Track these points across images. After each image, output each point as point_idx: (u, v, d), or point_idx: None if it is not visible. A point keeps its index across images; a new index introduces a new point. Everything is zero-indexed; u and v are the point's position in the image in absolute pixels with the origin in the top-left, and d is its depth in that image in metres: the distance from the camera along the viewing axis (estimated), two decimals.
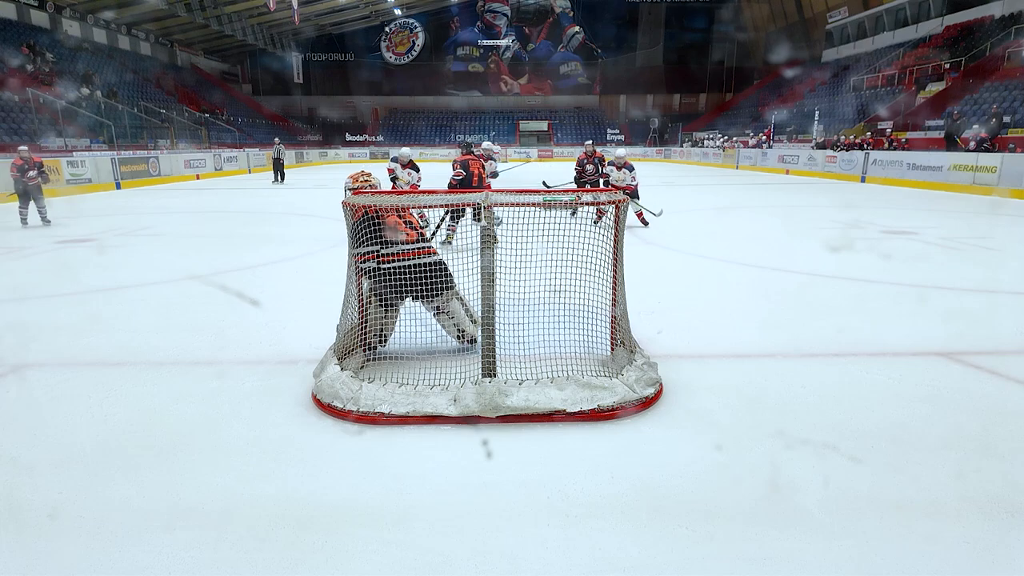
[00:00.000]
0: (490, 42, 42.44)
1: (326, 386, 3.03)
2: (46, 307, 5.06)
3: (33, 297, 5.43)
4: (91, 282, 6.03)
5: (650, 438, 2.76)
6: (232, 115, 33.69)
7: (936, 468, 2.49)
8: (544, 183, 10.12)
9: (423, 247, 3.60)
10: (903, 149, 18.06)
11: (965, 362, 3.63)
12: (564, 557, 1.98)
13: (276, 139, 20.95)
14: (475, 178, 7.41)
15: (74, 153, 17.27)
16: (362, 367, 3.33)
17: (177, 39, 34.26)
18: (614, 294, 3.34)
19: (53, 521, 2.19)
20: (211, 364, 3.72)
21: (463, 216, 6.59)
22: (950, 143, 16.51)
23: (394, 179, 8.38)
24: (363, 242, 3.37)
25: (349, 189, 3.99)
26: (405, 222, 3.61)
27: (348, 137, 40.29)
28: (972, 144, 15.28)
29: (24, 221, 9.37)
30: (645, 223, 8.96)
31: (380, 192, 4.07)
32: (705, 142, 33.07)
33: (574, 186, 9.89)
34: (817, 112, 24.56)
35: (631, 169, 9.12)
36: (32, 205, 9.42)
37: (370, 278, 3.50)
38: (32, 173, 9.26)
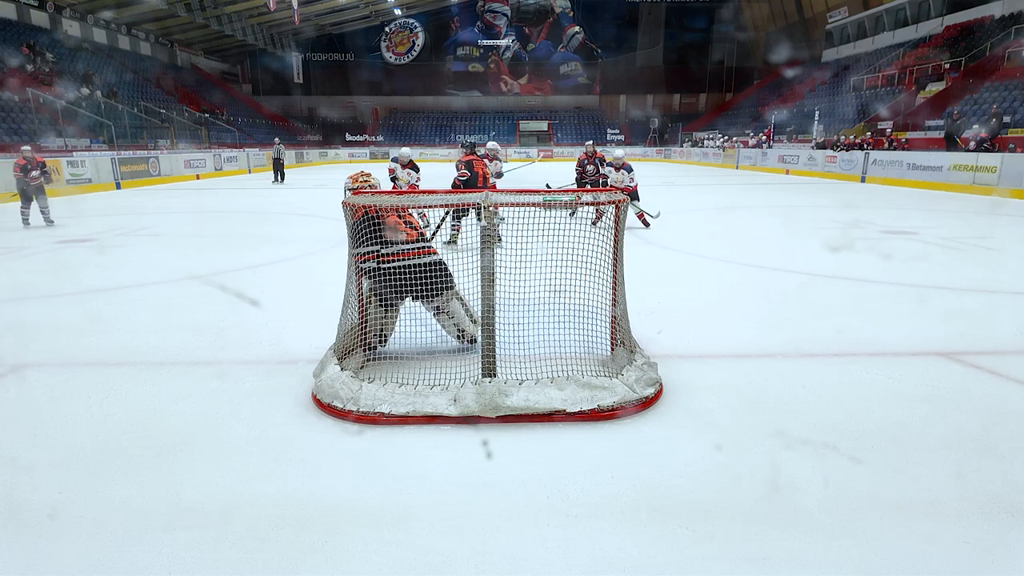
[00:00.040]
0: (490, 42, 42.45)
1: (326, 386, 3.03)
2: (46, 307, 5.06)
3: (33, 297, 5.43)
4: (91, 282, 6.03)
5: (650, 438, 2.76)
6: (232, 115, 33.69)
7: (936, 468, 2.49)
8: (547, 185, 10.10)
9: (423, 247, 3.60)
10: (903, 149, 18.07)
11: (965, 362, 3.63)
12: (564, 557, 1.98)
13: (276, 139, 20.95)
14: (480, 178, 7.42)
15: (74, 153, 17.28)
16: (362, 367, 3.33)
17: (177, 39, 34.26)
18: (614, 294, 3.34)
19: (53, 521, 2.19)
20: (211, 364, 3.72)
21: (466, 216, 6.59)
22: (950, 143, 16.51)
23: (394, 179, 8.38)
24: (363, 242, 3.37)
25: (349, 189, 3.99)
26: (405, 222, 3.61)
27: (348, 137, 40.30)
28: (972, 144, 15.28)
29: (26, 221, 9.35)
30: (646, 224, 8.92)
31: (380, 192, 4.07)
32: (705, 142, 33.08)
33: (575, 187, 9.88)
34: (817, 112, 24.57)
35: (629, 170, 9.04)
36: (34, 206, 9.40)
37: (370, 278, 3.50)
38: (35, 173, 9.24)
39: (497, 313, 3.03)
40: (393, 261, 3.47)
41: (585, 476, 2.43)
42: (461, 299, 3.72)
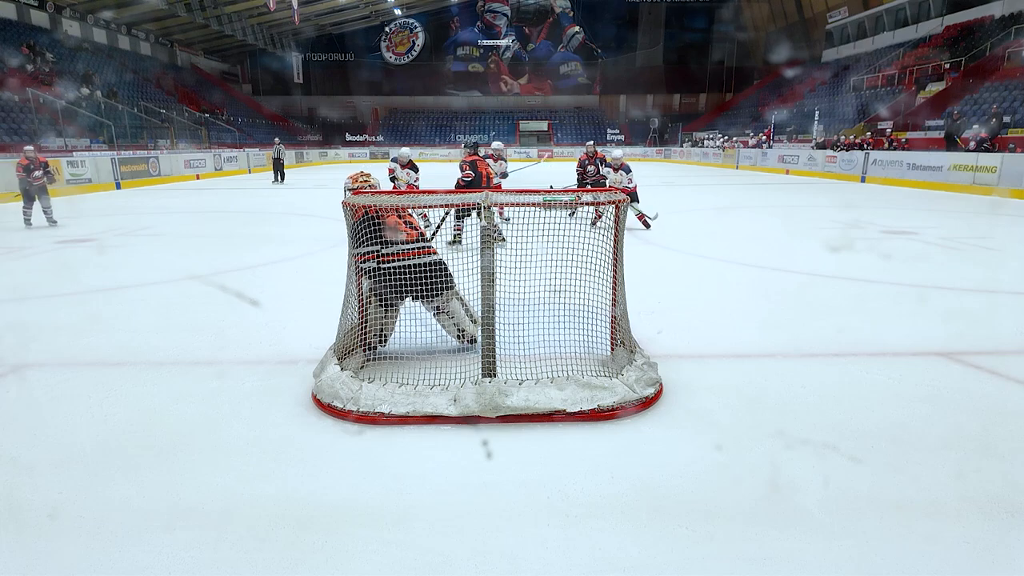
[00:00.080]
0: (490, 42, 42.45)
1: (326, 386, 3.03)
2: (46, 307, 5.06)
3: (33, 297, 5.43)
4: (91, 282, 6.03)
5: (650, 438, 2.76)
6: (232, 115, 33.70)
7: (936, 468, 2.49)
8: (551, 186, 10.06)
9: (423, 247, 3.60)
10: (903, 149, 18.07)
11: (965, 362, 3.63)
12: (564, 557, 1.98)
13: (276, 139, 20.95)
14: (484, 179, 7.42)
15: (74, 153, 17.28)
16: (362, 367, 3.33)
17: (177, 39, 34.27)
18: (614, 294, 3.34)
19: (53, 521, 2.19)
20: (211, 364, 3.72)
21: (468, 216, 6.59)
22: (950, 143, 16.51)
23: (393, 179, 8.39)
24: (363, 242, 3.37)
25: (349, 190, 3.99)
26: (405, 222, 3.61)
27: (348, 137, 40.30)
28: (972, 144, 15.28)
29: (28, 222, 9.33)
30: (647, 225, 8.84)
31: (380, 192, 4.07)
32: (705, 142, 33.08)
33: (576, 188, 9.85)
34: (817, 112, 24.57)
35: (628, 171, 8.92)
36: (37, 206, 9.39)
37: (370, 278, 3.50)
38: (38, 173, 9.22)
39: (497, 313, 3.03)
40: (393, 261, 3.47)
41: (585, 476, 2.43)
42: (461, 299, 3.72)
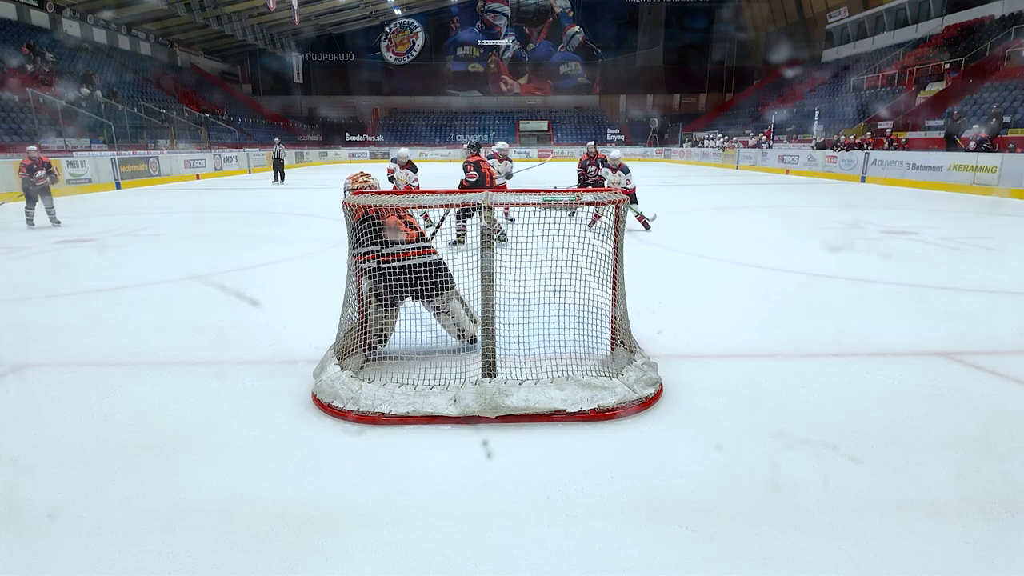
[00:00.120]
0: (490, 42, 42.45)
1: (326, 386, 3.03)
2: (46, 307, 5.06)
3: (33, 297, 5.43)
4: (91, 282, 6.03)
5: (650, 438, 2.76)
6: (232, 115, 33.70)
7: (936, 468, 2.49)
8: (555, 187, 10.01)
9: (423, 247, 3.61)
10: (903, 149, 18.07)
11: (965, 362, 3.63)
12: (564, 557, 1.98)
13: (276, 139, 20.96)
14: (487, 179, 7.45)
15: (74, 153, 17.28)
16: (362, 367, 3.33)
17: (177, 39, 34.27)
18: (614, 294, 3.34)
19: (53, 521, 2.19)
20: (211, 364, 3.72)
21: (471, 216, 6.58)
22: (950, 143, 16.51)
23: (391, 179, 8.39)
24: (363, 242, 3.38)
25: (349, 190, 3.99)
26: (405, 222, 3.61)
27: (348, 137, 40.31)
28: (972, 144, 15.28)
29: (30, 222, 9.31)
30: (647, 227, 8.76)
31: (380, 192, 4.07)
32: (705, 142, 33.08)
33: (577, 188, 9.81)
34: (817, 112, 24.57)
35: (626, 171, 8.74)
36: (39, 206, 9.37)
37: (370, 278, 3.51)
38: (40, 173, 9.21)
39: (497, 313, 3.03)
40: (393, 261, 3.47)
41: (585, 476, 2.43)
42: (461, 299, 3.72)
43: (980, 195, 13.72)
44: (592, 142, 10.74)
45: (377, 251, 3.43)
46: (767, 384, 3.35)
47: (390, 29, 41.93)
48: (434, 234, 4.08)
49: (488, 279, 2.96)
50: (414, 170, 8.43)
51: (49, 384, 3.40)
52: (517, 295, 3.12)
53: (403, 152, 8.59)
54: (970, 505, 2.24)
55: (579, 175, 10.29)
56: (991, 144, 15.09)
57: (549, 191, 3.47)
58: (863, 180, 18.12)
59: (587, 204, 3.71)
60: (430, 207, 3.79)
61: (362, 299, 3.48)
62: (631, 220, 8.30)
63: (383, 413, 2.87)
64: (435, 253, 3.64)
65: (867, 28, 30.07)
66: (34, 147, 9.63)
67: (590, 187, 9.83)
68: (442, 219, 4.60)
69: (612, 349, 3.47)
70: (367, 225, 3.35)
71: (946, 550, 2.01)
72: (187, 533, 2.10)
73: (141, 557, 1.98)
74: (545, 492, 2.33)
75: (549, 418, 2.88)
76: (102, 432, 2.83)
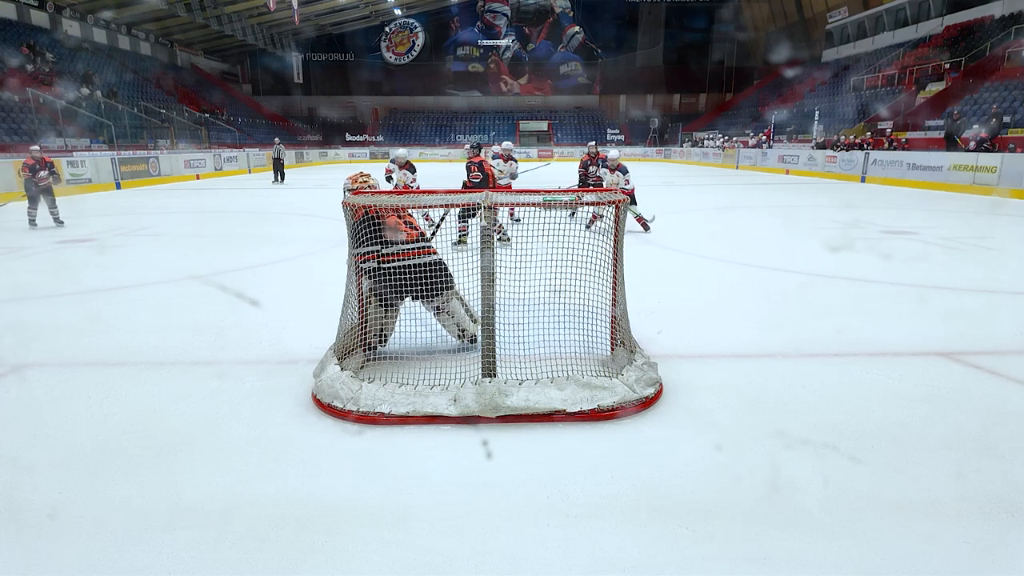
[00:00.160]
0: (490, 42, 42.45)
1: (326, 386, 3.03)
2: (46, 307, 5.06)
3: (33, 297, 5.43)
4: (91, 282, 6.03)
5: (650, 438, 2.76)
6: (232, 115, 33.70)
7: (936, 468, 2.49)
8: (559, 187, 9.96)
9: (423, 247, 3.61)
10: (903, 149, 18.07)
11: (965, 362, 3.63)
12: (564, 557, 1.98)
13: (276, 139, 20.95)
14: (490, 179, 7.50)
15: (74, 153, 17.28)
16: (362, 367, 3.33)
17: (177, 39, 34.27)
18: (614, 294, 3.34)
19: (53, 521, 2.19)
20: (211, 364, 3.72)
21: (473, 216, 6.58)
22: (950, 143, 16.51)
23: (389, 179, 8.40)
24: (363, 242, 3.38)
25: (348, 190, 3.99)
26: (405, 222, 3.61)
27: (348, 137, 40.31)
28: (972, 144, 15.28)
29: (33, 223, 9.28)
30: (646, 228, 8.68)
31: (380, 192, 4.07)
32: (705, 142, 33.08)
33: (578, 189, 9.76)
34: (817, 112, 24.57)
35: (625, 172, 8.58)
36: (42, 207, 9.35)
37: (370, 278, 3.51)
38: (43, 174, 9.19)
39: (497, 313, 3.03)
40: (393, 261, 3.47)
41: (585, 476, 2.43)
42: (461, 298, 3.72)
43: (980, 195, 13.72)
44: (593, 142, 10.69)
45: (377, 251, 3.43)
46: (767, 384, 3.35)
47: (390, 29, 41.93)
48: (434, 234, 4.08)
49: (488, 279, 2.96)
50: (412, 171, 8.43)
51: (49, 384, 3.40)
52: (517, 295, 3.12)
53: (401, 153, 8.59)
54: (970, 505, 2.24)
55: (580, 175, 10.28)
56: (991, 144, 15.09)
57: (550, 191, 3.47)
58: (863, 180, 18.12)
59: (588, 204, 3.71)
60: (430, 207, 3.79)
61: (362, 299, 3.48)
62: (630, 221, 8.25)
63: (383, 413, 2.87)
64: (435, 253, 3.64)
65: (867, 28, 30.07)
66: (37, 147, 9.61)
67: (591, 188, 9.81)
68: (442, 219, 4.60)
69: (612, 349, 3.47)
70: (367, 225, 3.35)
71: (946, 550, 2.01)
72: (187, 533, 2.10)
73: (141, 557, 1.98)
74: (545, 492, 2.33)
75: (549, 418, 2.88)
76: (102, 432, 2.83)
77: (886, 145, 18.96)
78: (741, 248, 7.62)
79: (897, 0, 27.63)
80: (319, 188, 17.93)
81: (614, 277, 3.32)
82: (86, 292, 5.59)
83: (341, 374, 3.06)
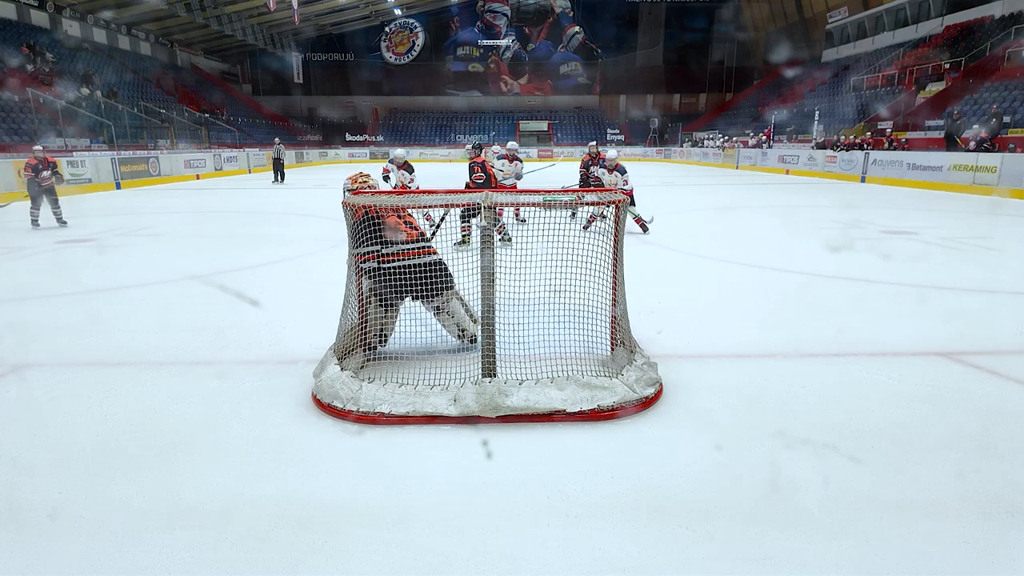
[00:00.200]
0: (490, 42, 42.45)
1: (326, 386, 3.03)
2: (46, 307, 5.06)
3: (33, 297, 5.43)
4: (91, 282, 6.03)
5: (650, 438, 2.76)
6: (232, 115, 33.69)
7: (936, 468, 2.49)
8: (563, 187, 9.95)
9: (423, 247, 3.61)
10: (903, 149, 18.07)
11: (965, 362, 3.63)
12: (564, 557, 1.98)
13: (276, 139, 20.95)
14: (492, 179, 7.52)
15: (74, 153, 17.28)
16: (362, 367, 3.33)
17: (177, 39, 34.26)
18: (614, 294, 3.34)
19: (53, 521, 2.19)
20: (211, 364, 3.72)
21: (475, 216, 6.58)
22: (950, 143, 16.51)
23: (386, 179, 8.41)
24: (363, 242, 3.38)
25: (348, 191, 3.99)
26: (405, 222, 3.61)
27: (348, 137, 40.30)
28: (972, 144, 15.28)
29: (35, 222, 9.26)
30: (645, 229, 8.62)
31: (380, 192, 4.07)
32: (705, 142, 33.08)
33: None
34: (817, 112, 24.57)
35: (623, 172, 8.48)
36: (46, 207, 9.34)
37: (371, 278, 3.51)
38: (46, 174, 9.17)
39: (497, 313, 3.03)
40: (393, 261, 3.47)
41: (585, 476, 2.43)
42: (461, 298, 3.72)
43: (980, 195, 13.72)
44: (594, 142, 10.67)
45: (377, 251, 3.43)
46: (767, 384, 3.35)
47: (390, 29, 41.92)
48: (434, 234, 4.08)
49: (488, 279, 2.96)
50: (410, 171, 8.43)
51: (49, 384, 3.40)
52: (517, 295, 3.12)
53: (399, 153, 8.59)
54: (970, 505, 2.24)
55: (581, 176, 10.27)
56: (991, 144, 15.09)
57: (550, 191, 3.47)
58: (863, 180, 18.12)
59: (589, 204, 3.71)
60: (430, 207, 3.79)
61: (362, 299, 3.49)
62: (629, 222, 8.20)
63: (383, 413, 2.87)
64: (435, 253, 3.64)
65: (867, 28, 30.07)
66: (40, 147, 9.59)
67: (591, 188, 9.78)
68: (442, 219, 4.60)
69: (612, 349, 3.47)
70: (367, 225, 3.35)
71: (946, 550, 2.01)
72: (187, 533, 2.10)
73: (141, 557, 1.98)
74: (545, 492, 2.33)
75: (549, 418, 2.88)
76: (102, 432, 2.83)
77: (886, 145, 18.96)
78: (741, 248, 7.62)
79: (897, 0, 27.62)
80: (319, 188, 17.93)
81: (614, 277, 3.32)
82: (86, 292, 5.59)
83: (341, 374, 3.06)
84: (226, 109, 33.71)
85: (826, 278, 5.90)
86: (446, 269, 3.58)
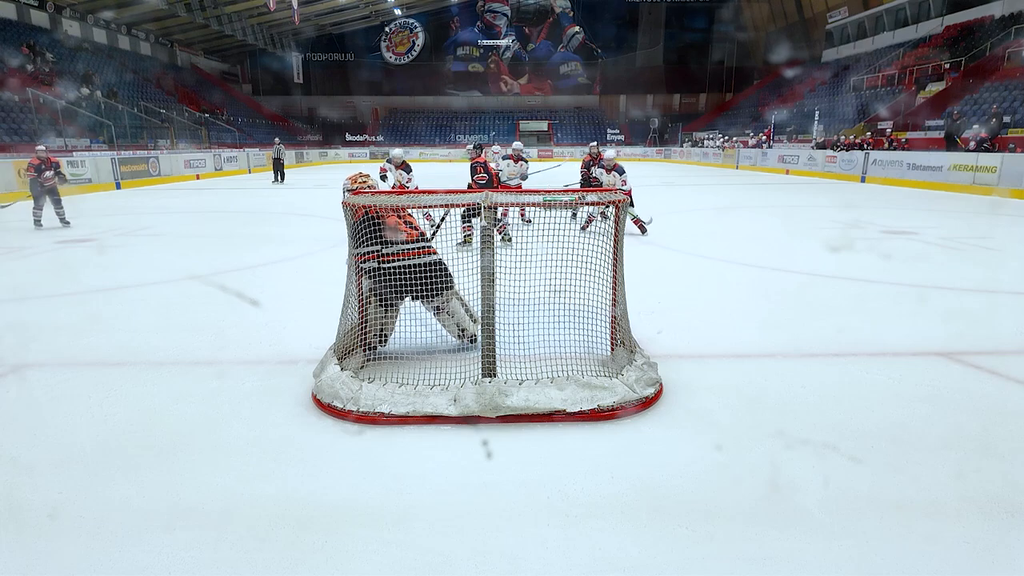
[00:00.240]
0: (490, 42, 42.45)
1: (326, 386, 3.03)
2: (46, 307, 5.06)
3: (33, 297, 5.43)
4: (91, 282, 6.03)
5: (650, 438, 2.76)
6: (232, 115, 33.69)
7: (936, 468, 2.49)
8: (566, 185, 9.94)
9: (423, 247, 3.61)
10: (903, 149, 18.07)
11: (965, 362, 3.63)
12: (564, 557, 1.98)
13: (276, 139, 20.95)
14: (495, 179, 7.54)
15: (74, 153, 17.28)
16: (362, 367, 3.33)
17: (177, 39, 34.26)
18: (614, 294, 3.34)
19: (53, 521, 2.19)
20: (211, 364, 3.72)
21: (477, 216, 6.59)
22: (950, 143, 16.51)
23: (383, 178, 8.42)
24: (364, 242, 3.38)
25: (348, 191, 3.99)
26: (405, 222, 3.61)
27: (348, 137, 40.30)
28: (972, 144, 15.28)
29: (38, 223, 9.25)
30: (643, 230, 8.52)
31: (380, 192, 4.07)
32: (705, 142, 33.08)
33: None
34: (817, 112, 24.57)
35: (621, 172, 8.42)
36: (49, 207, 9.33)
37: (371, 278, 3.51)
38: (49, 174, 9.16)
39: (497, 313, 3.03)
40: (393, 261, 3.47)
41: (585, 476, 2.43)
42: (460, 298, 3.72)
43: (980, 195, 13.72)
44: (595, 143, 10.66)
45: (377, 251, 3.43)
46: (767, 384, 3.35)
47: (390, 29, 41.92)
48: (434, 234, 4.08)
49: (488, 279, 2.96)
50: (408, 170, 8.44)
51: (49, 384, 3.40)
52: (517, 295, 3.12)
53: (397, 152, 8.59)
54: (970, 505, 2.24)
55: (582, 176, 10.27)
56: (991, 144, 15.09)
57: (550, 191, 3.47)
58: (863, 180, 18.12)
59: (590, 204, 3.71)
60: (430, 207, 3.79)
61: (362, 299, 3.49)
62: (628, 224, 8.13)
63: (383, 413, 2.87)
64: (435, 253, 3.65)
65: (867, 28, 30.07)
66: (43, 147, 9.58)
67: (591, 189, 9.77)
68: (442, 219, 4.60)
69: (612, 349, 3.47)
70: (367, 225, 3.35)
71: (946, 550, 2.01)
72: (187, 533, 2.10)
73: (141, 557, 1.98)
74: (545, 492, 2.33)
75: (549, 418, 2.88)
76: (102, 432, 2.83)
77: (886, 145, 18.96)
78: (741, 248, 7.62)
79: (897, 0, 27.63)
80: (319, 188, 17.93)
81: (614, 277, 3.32)
82: (86, 292, 5.59)
83: (341, 374, 3.06)
84: (226, 109, 33.71)
85: (826, 278, 5.90)
86: (446, 269, 3.58)
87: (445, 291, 3.57)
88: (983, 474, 2.45)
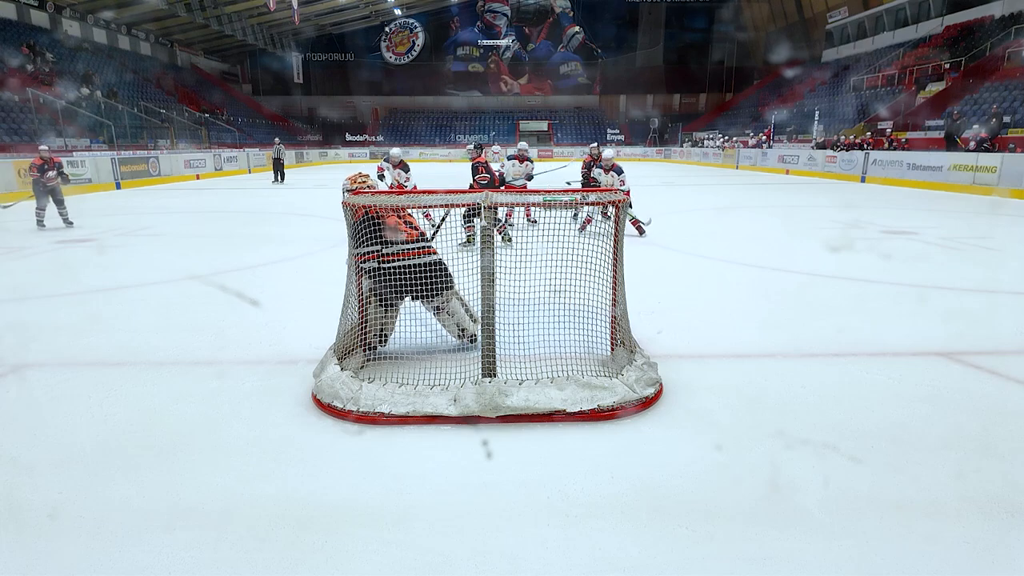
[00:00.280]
0: (490, 42, 42.45)
1: (326, 386, 3.03)
2: (46, 307, 5.06)
3: (33, 297, 5.43)
4: (91, 282, 6.03)
5: (650, 438, 2.76)
6: (232, 115, 33.69)
7: (936, 468, 2.49)
8: (568, 183, 9.93)
9: (423, 247, 3.61)
10: (903, 149, 18.07)
11: (965, 362, 3.63)
12: (564, 557, 1.98)
13: (276, 139, 20.95)
14: (496, 179, 7.58)
15: (74, 153, 17.28)
16: (362, 367, 3.33)
17: (177, 39, 34.26)
18: (614, 294, 3.34)
19: (53, 521, 2.19)
20: (211, 364, 3.72)
21: (478, 216, 6.59)
22: (950, 143, 16.51)
23: (381, 177, 8.43)
24: (364, 242, 3.38)
25: (348, 191, 3.99)
26: (405, 222, 3.61)
27: (348, 137, 40.30)
28: (972, 144, 15.28)
29: (41, 223, 9.24)
30: (641, 232, 8.42)
31: (380, 192, 4.08)
32: (705, 142, 33.08)
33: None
34: (817, 112, 24.57)
35: (620, 172, 8.36)
36: (51, 208, 9.31)
37: (371, 278, 3.51)
38: (51, 173, 9.16)
39: (497, 313, 3.03)
40: (393, 261, 3.47)
41: (585, 476, 2.43)
42: (460, 298, 3.72)
43: (980, 195, 13.72)
44: (595, 143, 10.67)
45: (377, 251, 3.43)
46: (767, 384, 3.35)
47: (390, 29, 41.92)
48: (434, 234, 4.08)
49: (488, 279, 2.96)
50: (406, 169, 8.44)
51: (49, 384, 3.40)
52: (517, 295, 3.12)
53: (395, 152, 8.60)
54: (970, 505, 2.24)
55: (583, 176, 10.27)
56: (991, 144, 15.09)
57: (550, 191, 3.47)
58: (863, 180, 18.12)
59: (590, 204, 3.71)
60: (430, 207, 3.79)
61: (362, 299, 3.49)
62: (627, 225, 8.08)
63: (383, 413, 2.87)
64: (435, 253, 3.65)
65: (867, 28, 30.07)
66: (45, 147, 9.57)
67: (591, 189, 9.76)
68: (442, 219, 4.61)
69: (612, 349, 3.47)
70: (367, 225, 3.35)
71: (946, 550, 2.01)
72: (187, 533, 2.10)
73: (141, 557, 1.98)
74: (545, 492, 2.33)
75: (549, 418, 2.88)
76: (102, 432, 2.83)
77: (886, 145, 18.96)
78: (741, 248, 7.62)
79: (897, 0, 27.62)
80: (319, 188, 17.93)
81: (614, 277, 3.32)
82: (86, 292, 5.59)
83: (341, 374, 3.06)
84: (226, 109, 33.71)
85: (826, 278, 5.90)
86: (446, 269, 3.58)
87: (445, 291, 3.57)
88: (983, 474, 2.45)
